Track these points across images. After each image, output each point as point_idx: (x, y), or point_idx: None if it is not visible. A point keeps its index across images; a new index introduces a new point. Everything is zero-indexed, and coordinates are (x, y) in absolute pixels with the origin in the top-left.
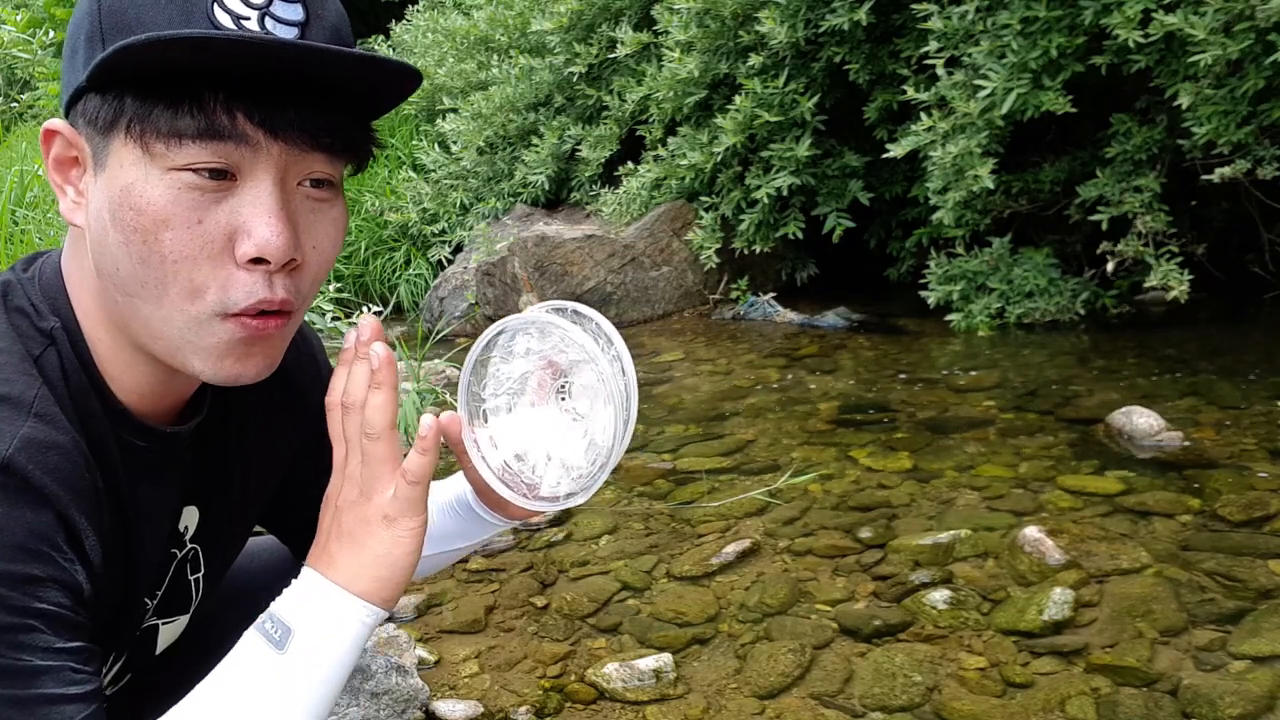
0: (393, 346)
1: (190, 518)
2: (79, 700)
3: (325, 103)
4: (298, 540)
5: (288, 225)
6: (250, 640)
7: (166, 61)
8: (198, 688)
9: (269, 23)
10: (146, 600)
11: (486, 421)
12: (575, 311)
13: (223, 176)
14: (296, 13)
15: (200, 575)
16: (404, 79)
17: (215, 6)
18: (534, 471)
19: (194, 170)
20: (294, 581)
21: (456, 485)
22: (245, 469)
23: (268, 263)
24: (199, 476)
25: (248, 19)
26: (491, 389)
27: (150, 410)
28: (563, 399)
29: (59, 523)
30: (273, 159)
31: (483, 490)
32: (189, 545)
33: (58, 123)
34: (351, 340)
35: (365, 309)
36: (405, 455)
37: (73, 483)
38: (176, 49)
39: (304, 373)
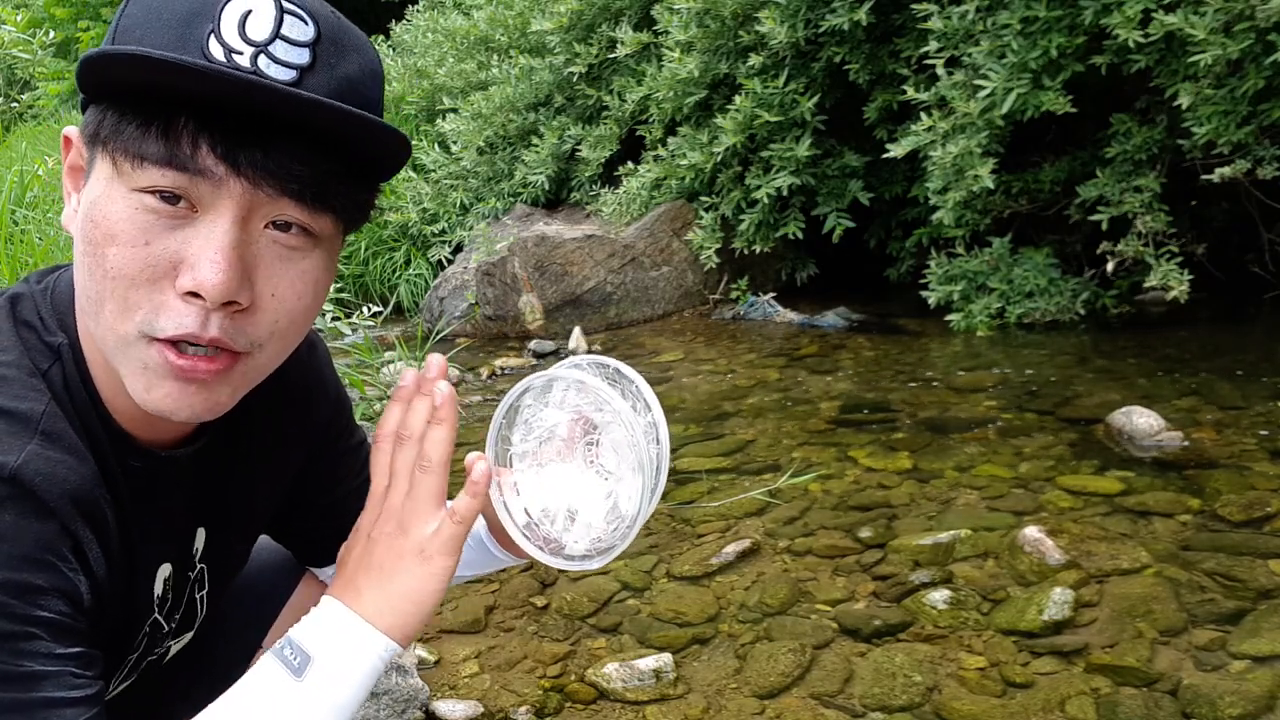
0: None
1: (199, 539)
2: (79, 704)
3: (307, 149)
4: (297, 544)
5: (234, 266)
6: (268, 666)
7: (135, 80)
8: (211, 708)
9: (263, 61)
10: (164, 622)
11: (512, 466)
12: (617, 370)
13: (177, 203)
14: (300, 56)
15: (204, 593)
16: (394, 143)
17: (211, 38)
18: (554, 524)
19: (155, 193)
20: (315, 610)
21: None
22: (252, 488)
23: (204, 299)
24: (204, 498)
25: (240, 54)
26: (520, 434)
27: (149, 432)
28: (590, 451)
29: (63, 533)
30: (234, 196)
31: (497, 529)
32: (198, 565)
33: (73, 131)
34: (410, 379)
35: (365, 309)
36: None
37: (78, 496)
38: (136, 69)
39: (309, 386)
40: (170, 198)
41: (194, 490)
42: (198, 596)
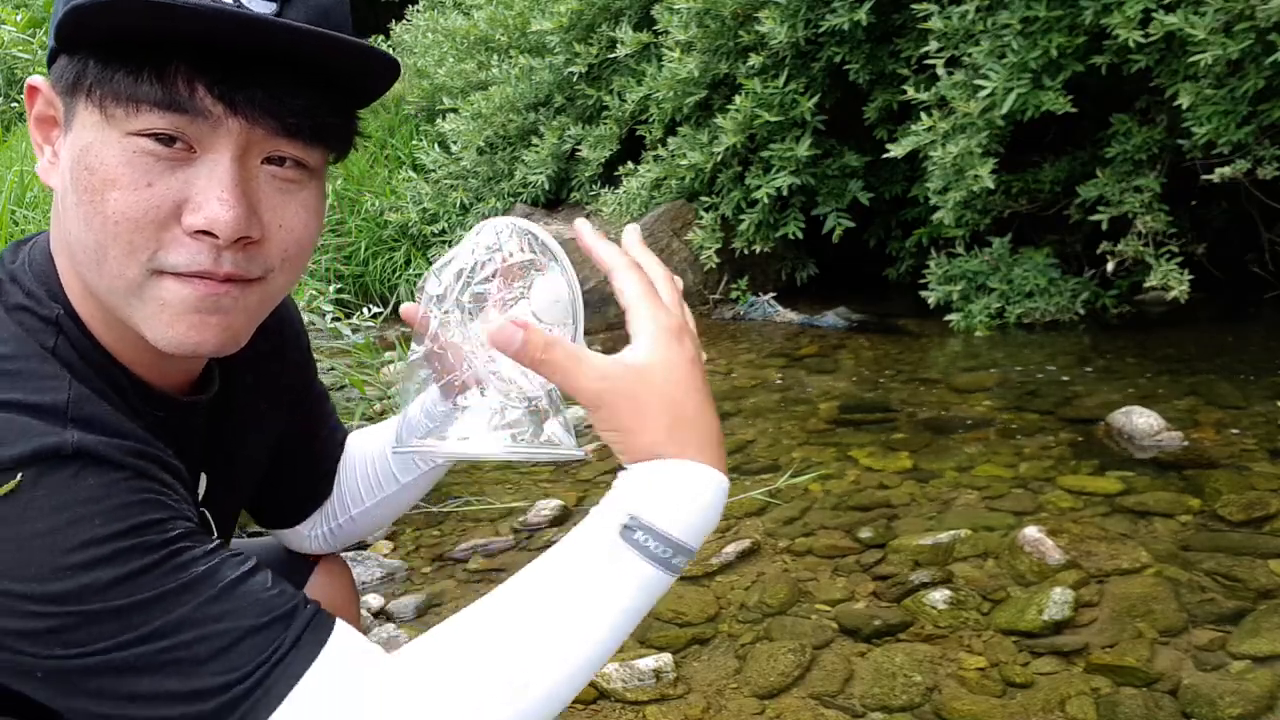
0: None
1: (202, 484)
2: (257, 570)
3: (294, 83)
4: (271, 503)
5: (241, 201)
6: (621, 555)
7: (126, 26)
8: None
9: None
10: None
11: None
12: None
13: (173, 144)
14: None
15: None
16: (379, 64)
17: None
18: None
19: (151, 136)
20: (655, 480)
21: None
22: (245, 436)
23: (216, 237)
24: (210, 444)
25: None
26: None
27: (162, 381)
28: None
29: (147, 478)
30: (232, 134)
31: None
32: (200, 509)
33: (39, 80)
34: (587, 234)
35: (365, 309)
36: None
37: (143, 452)
38: (129, 13)
39: (284, 331)
40: (166, 139)
41: (206, 432)
42: None
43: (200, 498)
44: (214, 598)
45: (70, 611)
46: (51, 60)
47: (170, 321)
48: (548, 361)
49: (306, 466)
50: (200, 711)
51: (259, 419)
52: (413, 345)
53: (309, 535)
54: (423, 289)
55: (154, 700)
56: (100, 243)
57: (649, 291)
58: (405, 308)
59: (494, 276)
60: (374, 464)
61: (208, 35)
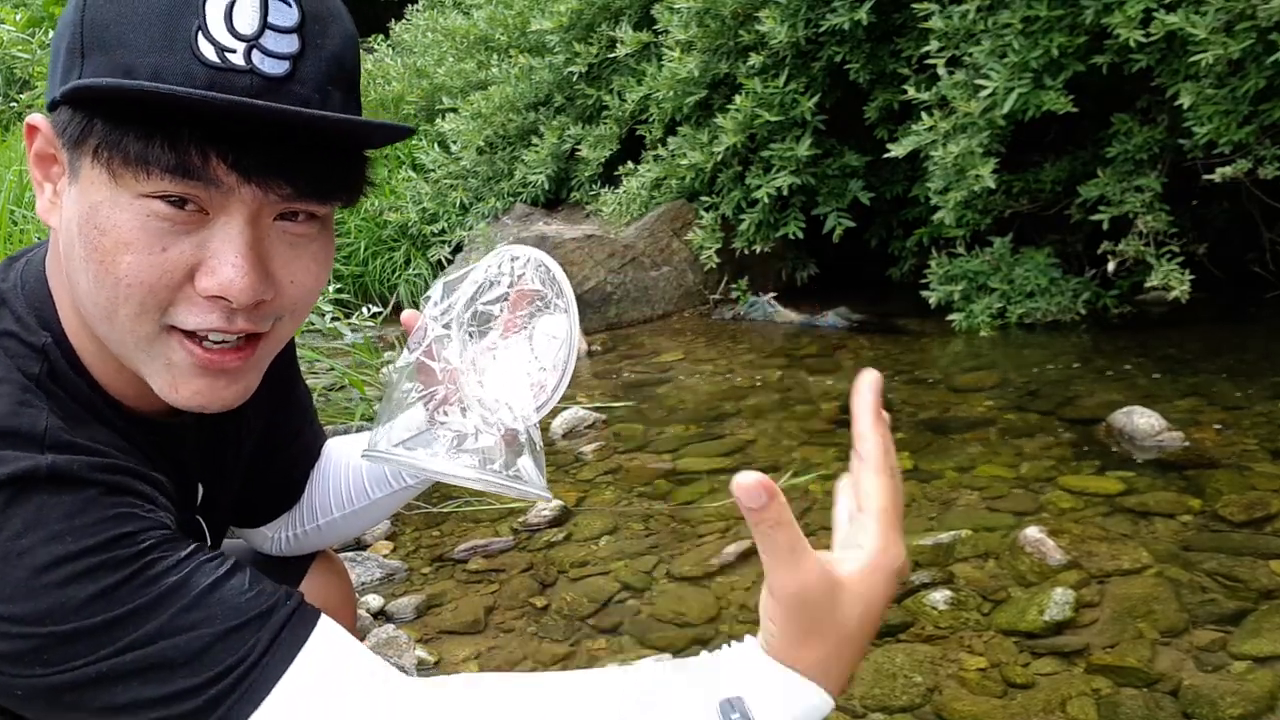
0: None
1: (199, 492)
2: (233, 572)
3: (308, 147)
4: (241, 505)
5: (256, 267)
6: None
7: (141, 100)
8: None
9: (256, 56)
10: None
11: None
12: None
13: (184, 206)
14: (290, 45)
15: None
16: (393, 133)
17: (200, 36)
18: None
19: (163, 198)
20: (784, 688)
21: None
22: (237, 439)
23: (229, 301)
24: (205, 454)
25: (233, 51)
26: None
27: (150, 405)
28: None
29: (123, 491)
30: (245, 200)
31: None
32: (196, 517)
33: (39, 119)
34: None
35: (365, 309)
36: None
37: (118, 468)
38: (146, 100)
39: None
40: (178, 201)
41: (197, 448)
42: None
43: (199, 504)
44: (187, 606)
45: (46, 632)
46: (52, 107)
47: (175, 384)
48: (770, 536)
49: (281, 468)
50: (180, 713)
51: (245, 422)
52: (404, 352)
53: (273, 538)
54: (428, 298)
55: (132, 708)
56: (112, 301)
57: (894, 513)
58: (406, 314)
59: (502, 299)
60: (348, 475)
61: (219, 112)
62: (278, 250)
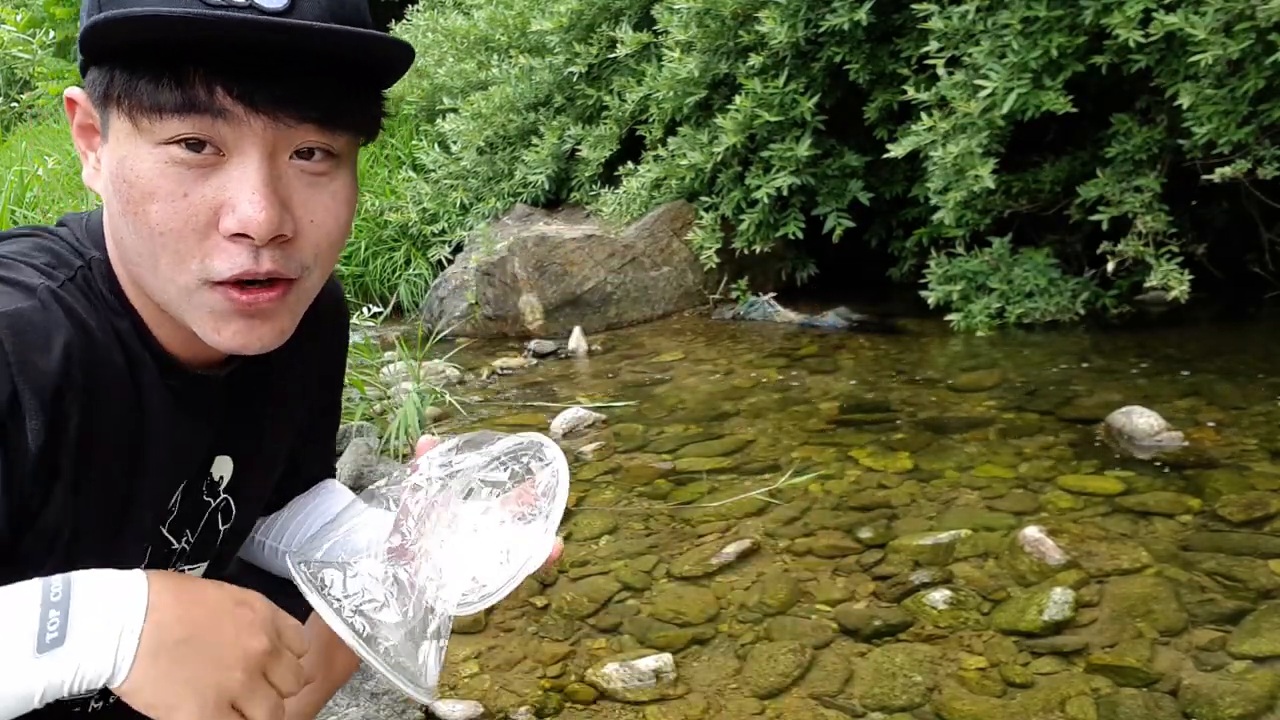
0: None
1: (224, 468)
2: None
3: (312, 75)
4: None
5: (273, 201)
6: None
7: (143, 37)
8: None
9: None
10: (173, 541)
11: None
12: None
13: (202, 149)
14: None
15: (229, 527)
16: (391, 49)
17: None
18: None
19: (180, 143)
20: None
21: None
22: (277, 423)
23: (251, 238)
24: (234, 427)
25: None
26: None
27: (185, 353)
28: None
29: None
30: (257, 133)
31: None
32: (222, 495)
33: (75, 91)
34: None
35: (365, 309)
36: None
37: (43, 365)
38: (141, 28)
39: (337, 315)
40: (195, 144)
41: (226, 418)
42: (222, 529)
43: (226, 483)
44: None
45: None
46: (84, 71)
47: (218, 327)
48: None
49: (286, 471)
50: None
51: (287, 400)
52: (405, 482)
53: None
54: (446, 449)
55: None
56: (151, 250)
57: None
58: (424, 440)
59: (515, 480)
60: (313, 525)
61: (220, 40)
62: (296, 189)
